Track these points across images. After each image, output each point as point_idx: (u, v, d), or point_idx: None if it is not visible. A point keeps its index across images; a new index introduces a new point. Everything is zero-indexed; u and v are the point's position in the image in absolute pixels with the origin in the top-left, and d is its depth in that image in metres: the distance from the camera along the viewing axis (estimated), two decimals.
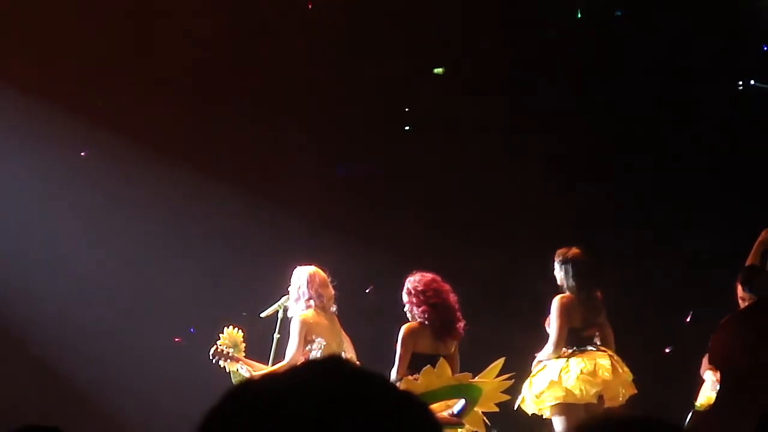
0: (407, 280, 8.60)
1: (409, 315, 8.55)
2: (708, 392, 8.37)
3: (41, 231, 11.59)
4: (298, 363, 7.81)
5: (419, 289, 8.49)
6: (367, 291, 11.24)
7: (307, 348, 8.62)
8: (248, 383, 1.52)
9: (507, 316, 10.84)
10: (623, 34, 11.63)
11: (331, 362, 1.53)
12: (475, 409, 8.11)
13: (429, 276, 8.57)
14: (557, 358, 8.65)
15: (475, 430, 8.16)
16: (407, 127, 12.00)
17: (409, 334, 8.40)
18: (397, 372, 8.27)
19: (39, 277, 11.46)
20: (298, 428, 1.42)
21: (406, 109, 11.99)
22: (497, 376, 8.04)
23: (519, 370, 8.47)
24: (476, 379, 8.04)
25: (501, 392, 8.13)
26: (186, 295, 11.58)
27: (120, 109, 11.65)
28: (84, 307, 11.49)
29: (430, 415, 1.53)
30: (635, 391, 8.68)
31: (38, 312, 11.46)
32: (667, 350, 10.95)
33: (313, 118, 11.90)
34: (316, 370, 1.52)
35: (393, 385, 1.53)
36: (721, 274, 9.24)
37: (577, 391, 8.48)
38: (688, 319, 10.89)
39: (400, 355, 8.34)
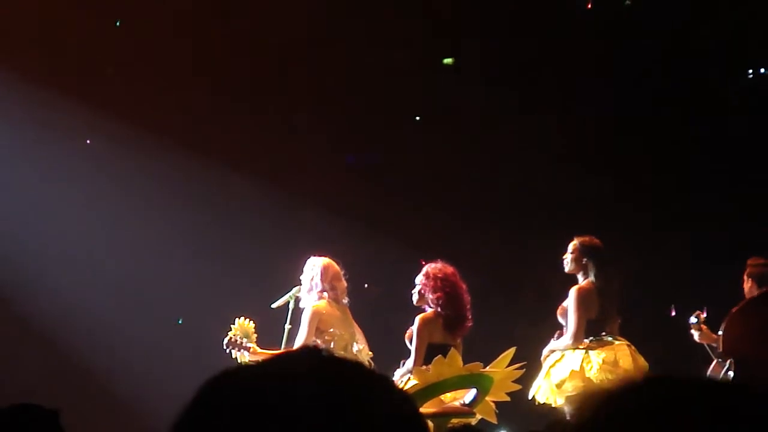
0: (428, 265, 8.60)
1: (415, 297, 8.54)
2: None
3: (55, 221, 11.63)
4: None
5: (438, 276, 8.49)
6: (365, 286, 11.23)
7: (319, 339, 8.63)
8: (222, 377, 1.51)
9: (517, 306, 10.84)
10: (633, 23, 11.60)
11: (307, 353, 1.52)
12: (487, 398, 8.11)
13: (450, 268, 8.57)
14: (575, 349, 8.63)
15: (486, 419, 8.17)
16: (417, 117, 12.00)
17: (425, 324, 8.40)
18: (414, 363, 8.27)
19: (54, 267, 11.50)
20: (273, 419, 1.41)
21: (417, 118, 12.00)
22: (508, 365, 8.04)
23: (529, 359, 8.46)
24: (487, 368, 8.04)
25: (512, 381, 8.14)
26: (198, 284, 11.61)
27: (133, 100, 11.67)
28: (97, 297, 11.53)
29: (412, 405, 1.52)
30: None
31: (53, 301, 11.50)
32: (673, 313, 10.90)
33: (326, 108, 11.91)
34: (292, 362, 1.51)
35: (370, 372, 1.52)
36: (731, 265, 9.24)
37: (597, 382, 8.47)
38: (673, 314, 10.87)
39: (417, 346, 8.33)
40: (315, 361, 1.50)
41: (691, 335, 8.61)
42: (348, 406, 1.43)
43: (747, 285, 8.76)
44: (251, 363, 1.60)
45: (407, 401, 1.51)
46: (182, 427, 1.47)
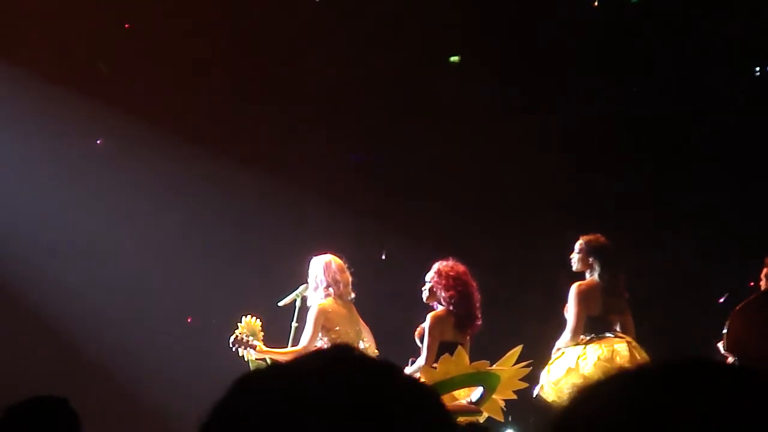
0: (439, 263, 8.57)
1: (425, 294, 8.53)
2: None
3: (61, 218, 11.66)
4: (310, 350, 7.83)
5: (451, 274, 8.46)
6: (383, 256, 11.29)
7: (326, 338, 8.65)
8: (253, 375, 1.51)
9: (523, 304, 10.84)
10: (638, 20, 11.60)
11: (339, 351, 1.52)
12: (494, 396, 8.11)
13: (462, 267, 8.55)
14: (575, 345, 8.64)
15: (493, 417, 8.18)
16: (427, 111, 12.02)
17: (436, 322, 8.37)
18: (426, 361, 8.25)
19: (61, 264, 11.53)
20: (307, 419, 1.41)
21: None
22: (515, 363, 8.05)
23: (536, 357, 8.46)
24: (494, 366, 8.04)
25: (519, 380, 8.15)
26: (205, 282, 11.63)
27: (139, 99, 11.69)
28: (103, 293, 11.55)
29: (440, 403, 1.52)
30: None
31: (60, 298, 11.54)
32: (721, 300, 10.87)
33: (332, 107, 11.91)
34: (323, 359, 1.51)
35: (400, 371, 1.52)
36: (737, 261, 9.24)
37: (595, 378, 8.43)
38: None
39: (429, 344, 8.30)
40: (347, 360, 1.49)
41: (718, 348, 8.57)
42: (362, 407, 1.42)
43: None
44: (281, 362, 1.59)
45: (441, 406, 1.51)
46: (210, 427, 1.48)
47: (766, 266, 8.69)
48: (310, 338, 8.59)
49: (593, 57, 11.67)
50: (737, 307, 7.65)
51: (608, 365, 8.49)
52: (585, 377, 8.47)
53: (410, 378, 1.53)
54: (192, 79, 11.86)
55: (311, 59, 11.93)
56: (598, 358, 8.49)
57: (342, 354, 1.51)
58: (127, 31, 11.76)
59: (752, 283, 8.77)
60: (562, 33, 11.67)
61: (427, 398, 1.50)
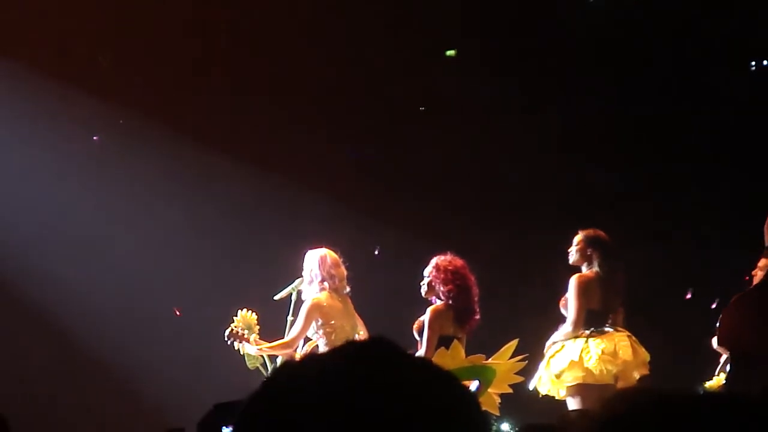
0: (437, 257, 8.58)
1: (423, 288, 8.54)
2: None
3: (61, 217, 11.69)
4: (297, 343, 7.76)
5: (450, 268, 8.47)
6: (376, 252, 11.31)
7: (321, 331, 8.68)
8: (287, 368, 1.51)
9: (519, 298, 10.85)
10: (638, 19, 11.62)
11: (373, 344, 1.53)
12: (489, 390, 8.12)
13: (460, 261, 8.57)
14: (575, 338, 8.62)
15: (488, 411, 8.18)
16: (422, 108, 12.03)
17: (436, 316, 8.38)
18: (426, 354, 8.25)
19: (59, 262, 11.55)
20: (342, 413, 1.42)
21: (422, 108, 12.03)
22: (511, 357, 8.06)
23: (533, 351, 8.47)
24: (490, 360, 8.05)
25: (515, 373, 8.15)
26: (203, 276, 11.65)
27: (139, 94, 11.72)
28: (103, 292, 11.57)
29: (471, 395, 1.53)
30: (647, 372, 8.65)
31: (60, 295, 11.56)
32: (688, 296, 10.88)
33: (332, 105, 11.93)
34: (358, 352, 1.52)
35: (436, 367, 1.53)
36: (736, 259, 9.23)
37: (597, 372, 8.44)
38: (688, 296, 10.86)
39: (428, 337, 8.31)
40: (383, 354, 1.50)
41: (711, 343, 8.57)
42: (418, 403, 1.44)
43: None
44: (315, 354, 1.59)
45: (473, 398, 1.52)
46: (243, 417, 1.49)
47: (764, 257, 8.67)
48: (299, 331, 8.62)
49: (593, 56, 11.68)
50: (731, 301, 7.63)
51: (611, 359, 8.47)
52: (587, 370, 8.45)
53: (445, 372, 1.54)
54: (192, 78, 11.89)
55: (311, 59, 11.94)
56: (602, 351, 8.46)
57: (377, 348, 1.52)
58: (127, 30, 11.79)
59: (747, 278, 8.77)
60: (562, 33, 11.68)
61: (461, 392, 1.53)
